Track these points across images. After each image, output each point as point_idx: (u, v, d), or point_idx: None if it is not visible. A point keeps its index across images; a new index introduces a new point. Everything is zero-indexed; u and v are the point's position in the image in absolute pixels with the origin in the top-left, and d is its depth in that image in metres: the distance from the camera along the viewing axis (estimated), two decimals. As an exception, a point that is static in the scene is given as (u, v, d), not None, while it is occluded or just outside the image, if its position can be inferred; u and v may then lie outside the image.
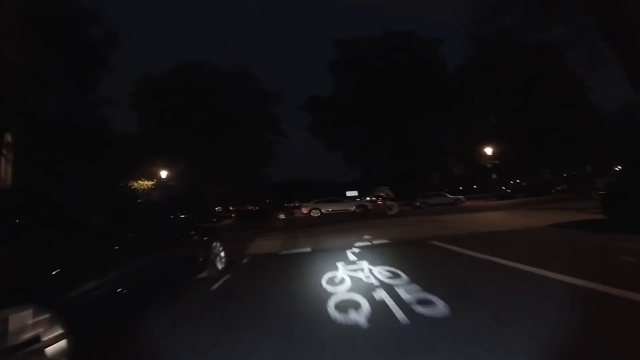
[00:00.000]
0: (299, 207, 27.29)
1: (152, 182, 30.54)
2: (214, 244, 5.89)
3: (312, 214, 25.37)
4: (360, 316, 3.12)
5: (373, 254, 6.41)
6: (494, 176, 33.40)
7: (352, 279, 4.57)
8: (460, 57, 58.90)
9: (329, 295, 3.91)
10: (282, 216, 27.04)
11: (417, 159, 39.30)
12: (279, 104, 38.29)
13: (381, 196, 30.07)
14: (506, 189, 33.14)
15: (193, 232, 5.41)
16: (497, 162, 33.92)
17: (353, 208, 25.46)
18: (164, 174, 29.46)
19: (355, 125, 42.74)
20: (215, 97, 33.89)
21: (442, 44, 45.95)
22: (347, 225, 14.39)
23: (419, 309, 3.17)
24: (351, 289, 4.07)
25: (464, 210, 19.72)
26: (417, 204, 29.21)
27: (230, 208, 42.81)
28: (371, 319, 3.04)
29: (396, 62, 40.75)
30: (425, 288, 3.79)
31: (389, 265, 5.23)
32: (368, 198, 27.92)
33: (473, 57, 40.39)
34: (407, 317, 2.98)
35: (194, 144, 32.89)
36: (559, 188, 33.75)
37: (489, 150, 32.15)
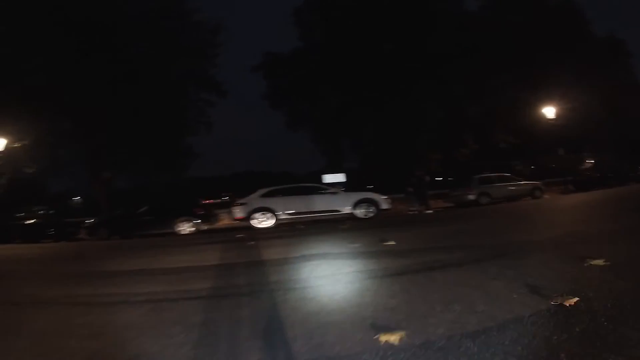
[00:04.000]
0: (232, 206, 14.35)
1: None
2: None
3: (255, 222, 12.91)
4: None
5: None
6: (561, 152, 22.68)
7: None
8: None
9: None
10: (187, 227, 13.44)
11: (415, 134, 27.54)
12: (217, 46, 24.21)
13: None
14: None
15: None
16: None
17: (348, 208, 13.01)
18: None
19: (328, 90, 30.67)
20: (107, 22, 19.70)
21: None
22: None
23: None
24: None
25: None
26: (472, 197, 17.08)
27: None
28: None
29: (385, 4, 28.74)
30: None
31: None
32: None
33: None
34: None
35: (67, 98, 18.83)
36: None
37: (550, 112, 20.53)
